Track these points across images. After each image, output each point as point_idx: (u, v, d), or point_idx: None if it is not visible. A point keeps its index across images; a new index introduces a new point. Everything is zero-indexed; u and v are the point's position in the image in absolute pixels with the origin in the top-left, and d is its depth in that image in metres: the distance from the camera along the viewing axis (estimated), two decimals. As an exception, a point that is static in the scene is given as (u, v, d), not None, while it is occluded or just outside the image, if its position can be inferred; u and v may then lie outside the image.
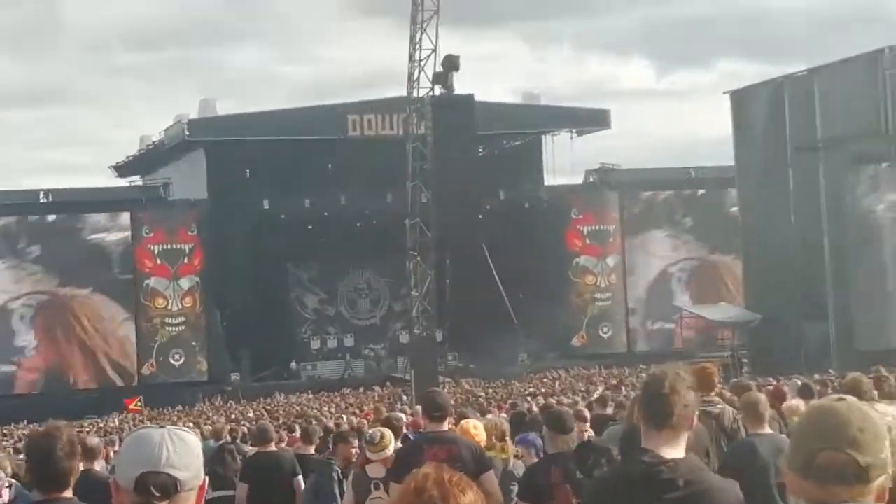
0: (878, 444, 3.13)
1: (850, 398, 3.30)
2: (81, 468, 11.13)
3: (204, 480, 3.62)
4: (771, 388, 14.50)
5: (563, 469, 8.55)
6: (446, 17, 52.17)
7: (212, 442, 18.47)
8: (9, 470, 10.18)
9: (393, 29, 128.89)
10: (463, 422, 11.79)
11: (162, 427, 3.60)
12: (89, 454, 11.39)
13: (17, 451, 20.48)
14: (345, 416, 25.50)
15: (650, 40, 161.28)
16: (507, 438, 11.86)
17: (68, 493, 6.02)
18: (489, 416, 14.03)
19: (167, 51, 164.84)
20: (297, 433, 17.42)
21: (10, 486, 9.19)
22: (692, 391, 4.94)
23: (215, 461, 14.03)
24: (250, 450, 15.23)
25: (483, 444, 10.86)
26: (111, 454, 16.48)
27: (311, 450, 14.34)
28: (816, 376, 24.91)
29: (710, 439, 9.41)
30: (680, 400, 4.83)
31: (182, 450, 3.53)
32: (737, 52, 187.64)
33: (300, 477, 13.01)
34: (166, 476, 3.48)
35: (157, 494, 3.47)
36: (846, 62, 47.19)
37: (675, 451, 4.78)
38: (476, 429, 11.04)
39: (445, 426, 9.63)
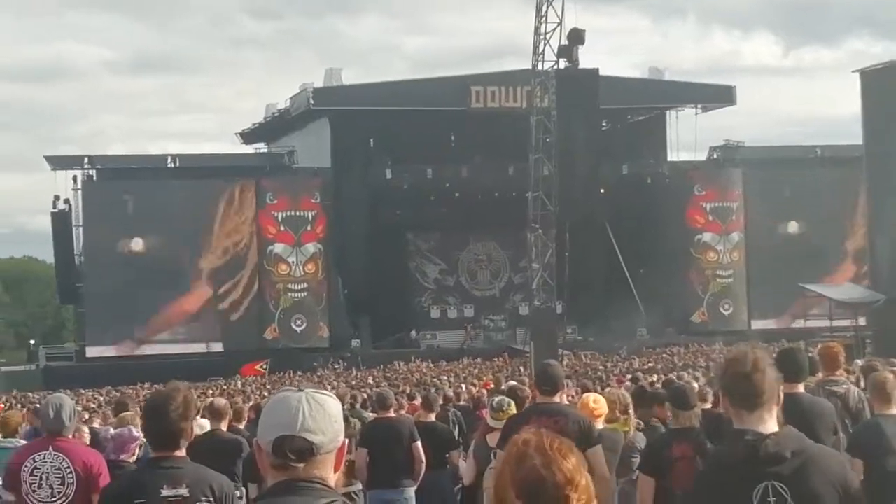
0: None
1: None
2: (209, 428, 11.42)
3: (344, 443, 3.68)
4: (897, 368, 14.30)
5: (691, 443, 8.54)
6: (573, -11, 51.97)
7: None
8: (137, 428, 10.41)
9: (517, 1, 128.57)
10: (584, 395, 11.80)
11: (301, 391, 3.65)
12: (216, 415, 11.65)
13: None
14: (464, 386, 25.67)
15: (775, 15, 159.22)
16: (630, 411, 11.84)
17: (180, 453, 6.15)
18: (609, 389, 13.98)
19: (289, 20, 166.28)
20: (418, 400, 17.54)
21: (140, 445, 9.40)
22: (773, 366, 4.89)
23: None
24: (370, 416, 15.38)
25: (604, 417, 10.87)
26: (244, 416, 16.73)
27: (432, 417, 14.43)
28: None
29: (839, 417, 9.34)
30: (765, 377, 4.80)
31: (319, 414, 3.60)
32: (865, 29, 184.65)
33: (419, 442, 13.10)
34: (302, 440, 3.55)
35: (293, 458, 3.55)
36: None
37: (770, 426, 4.77)
38: (596, 402, 11.04)
39: (557, 399, 9.60)
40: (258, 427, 3.75)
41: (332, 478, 3.63)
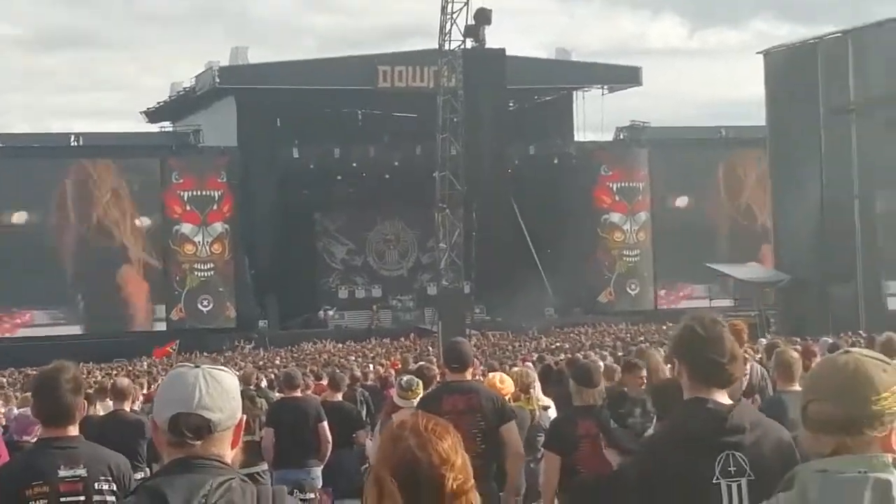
0: (865, 393, 3.19)
1: (856, 351, 3.34)
2: (112, 408, 11.30)
3: (241, 419, 3.63)
4: (800, 347, 14.50)
5: (595, 421, 8.57)
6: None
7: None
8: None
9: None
10: (490, 374, 11.82)
11: (197, 367, 3.60)
12: (119, 395, 11.52)
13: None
14: (372, 366, 25.66)
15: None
16: (533, 390, 11.88)
17: (74, 430, 6.00)
18: (514, 368, 14.03)
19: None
20: (325, 380, 17.49)
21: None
22: (733, 338, 4.88)
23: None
24: (277, 396, 15.31)
25: (510, 396, 10.89)
26: (139, 396, 16.59)
27: (339, 397, 14.40)
28: (842, 335, 24.90)
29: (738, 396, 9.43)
30: (735, 348, 4.78)
31: (216, 390, 3.55)
32: (770, 12, 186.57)
33: (325, 422, 13.07)
34: (198, 417, 3.50)
35: (190, 435, 3.50)
36: (881, 25, 46.78)
37: (725, 398, 4.77)
38: (502, 382, 11.06)
39: (467, 376, 9.61)
40: (154, 404, 3.69)
41: (230, 455, 3.58)
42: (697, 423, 4.72)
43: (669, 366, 8.34)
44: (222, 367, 3.65)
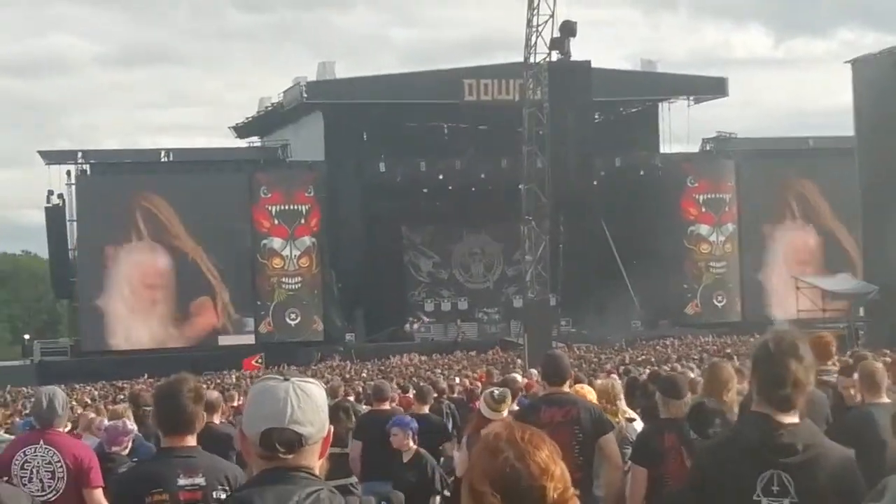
0: None
1: None
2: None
3: (329, 431, 3.69)
4: (889, 359, 14.34)
5: (677, 434, 8.54)
6: (564, -18, 51.87)
7: (328, 400, 18.67)
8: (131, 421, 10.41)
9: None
10: (575, 385, 11.79)
11: (287, 380, 3.64)
12: (209, 408, 11.63)
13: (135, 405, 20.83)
14: (458, 378, 25.68)
15: (766, 7, 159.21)
16: (619, 402, 11.84)
17: (192, 441, 6.12)
18: (599, 381, 13.99)
19: (277, 13, 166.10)
20: (411, 393, 17.56)
21: (133, 438, 9.40)
22: (810, 360, 4.84)
23: (330, 419, 14.18)
24: (365, 409, 15.38)
25: (594, 406, 10.89)
26: (229, 409, 16.76)
27: (426, 409, 14.45)
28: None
29: (830, 407, 9.36)
30: (799, 374, 4.76)
31: (307, 405, 3.61)
32: (855, 20, 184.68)
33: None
34: (291, 433, 3.56)
35: (283, 450, 3.56)
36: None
37: (790, 416, 4.76)
38: (590, 394, 11.05)
39: (565, 389, 9.64)
40: (244, 415, 3.75)
41: (318, 466, 3.64)
42: (748, 437, 4.74)
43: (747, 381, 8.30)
44: (311, 380, 3.71)
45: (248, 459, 3.68)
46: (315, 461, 3.63)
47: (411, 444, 10.97)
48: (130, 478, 6.35)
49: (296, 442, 3.56)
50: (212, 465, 6.03)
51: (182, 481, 5.91)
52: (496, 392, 11.10)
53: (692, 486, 4.82)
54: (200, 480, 5.92)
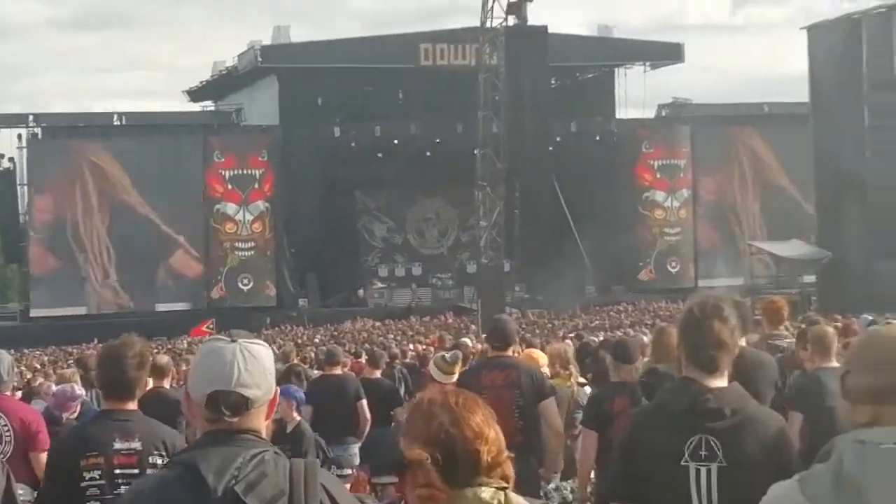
0: None
1: None
2: (151, 385, 11.36)
3: (275, 394, 3.64)
4: (840, 324, 14.41)
5: (629, 398, 8.55)
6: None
7: (279, 365, 18.62)
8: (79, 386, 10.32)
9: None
10: (526, 349, 11.79)
11: (234, 341, 3.59)
12: (159, 372, 11.54)
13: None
14: (411, 344, 25.69)
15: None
16: (572, 367, 11.86)
17: (133, 405, 6.07)
18: (551, 345, 14.01)
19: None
20: (363, 358, 17.55)
21: (81, 403, 9.33)
22: (734, 322, 4.85)
23: (282, 383, 14.14)
24: (317, 374, 15.35)
25: (546, 371, 10.89)
26: (181, 374, 16.68)
27: (377, 374, 14.43)
28: (888, 315, 24.71)
29: (779, 372, 9.38)
30: (723, 335, 4.77)
31: (254, 367, 3.56)
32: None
33: (364, 401, 13.11)
34: (237, 395, 3.51)
35: (228, 413, 3.51)
36: (927, -1, 46.41)
37: (718, 380, 4.77)
38: (539, 357, 11.05)
39: (509, 353, 9.64)
40: (189, 377, 3.70)
41: (264, 427, 3.60)
42: (677, 402, 4.76)
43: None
44: (258, 341, 3.64)
45: (193, 421, 3.66)
46: (261, 424, 3.59)
47: (295, 415, 10.94)
48: (67, 441, 6.33)
49: (242, 405, 3.52)
50: (149, 429, 6.01)
51: (118, 445, 5.88)
52: (447, 355, 11.10)
53: (622, 452, 4.84)
54: (136, 444, 5.89)
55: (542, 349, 13.27)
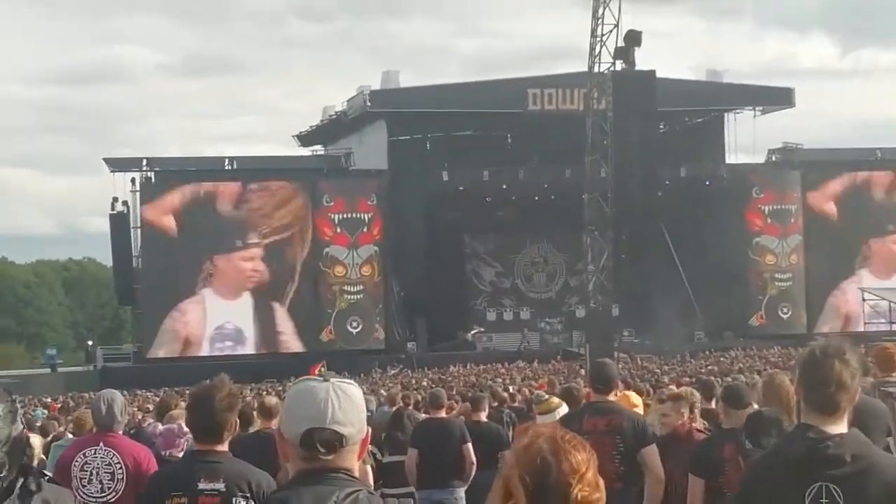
0: None
1: None
2: (259, 426, 11.47)
3: (367, 433, 3.68)
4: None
5: (736, 444, 8.46)
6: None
7: (386, 408, 18.69)
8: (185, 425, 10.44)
9: (570, 3, 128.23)
10: (623, 392, 11.71)
11: (326, 381, 3.64)
12: (267, 413, 11.65)
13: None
14: (512, 387, 25.54)
15: (831, 16, 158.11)
16: (696, 410, 11.72)
17: (222, 447, 6.14)
18: (679, 388, 13.80)
19: (338, 22, 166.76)
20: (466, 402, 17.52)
21: (188, 441, 9.43)
22: (856, 365, 4.78)
23: (393, 426, 14.20)
24: (423, 416, 15.36)
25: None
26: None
27: (482, 416, 14.39)
28: None
29: (893, 419, 9.24)
30: (843, 376, 4.70)
31: (347, 405, 3.59)
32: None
33: (469, 444, 13.08)
34: (332, 433, 3.55)
35: (323, 450, 3.55)
36: None
37: (838, 426, 4.68)
38: (633, 404, 10.97)
39: (611, 398, 9.60)
40: (282, 416, 3.74)
41: (356, 467, 3.63)
42: (795, 450, 4.65)
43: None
44: (350, 381, 3.69)
45: (284, 461, 3.69)
46: (354, 463, 3.63)
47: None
48: (155, 480, 6.51)
49: (336, 442, 3.56)
50: (235, 470, 6.09)
51: (202, 486, 5.98)
52: (535, 395, 11.11)
53: (739, 501, 4.76)
54: (220, 486, 5.97)
55: (650, 394, 13.17)
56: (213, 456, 6.10)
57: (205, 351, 60.76)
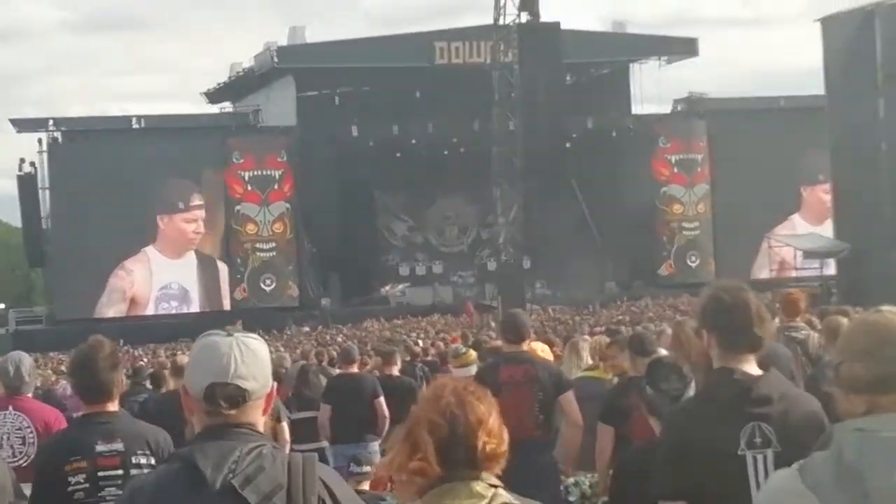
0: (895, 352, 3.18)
1: (886, 310, 3.33)
2: (172, 386, 11.48)
3: (272, 388, 3.69)
4: (857, 315, 14.41)
5: (637, 391, 8.57)
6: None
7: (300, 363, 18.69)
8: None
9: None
10: (531, 343, 11.81)
11: (230, 335, 3.63)
12: (179, 372, 11.66)
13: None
14: (421, 342, 25.63)
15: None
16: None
17: (113, 406, 6.06)
18: (591, 338, 13.90)
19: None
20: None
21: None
22: (755, 297, 4.86)
23: (300, 382, 14.23)
24: (336, 372, 15.42)
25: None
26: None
27: (395, 371, 14.45)
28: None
29: (796, 364, 9.43)
30: (761, 310, 4.78)
31: (250, 359, 3.60)
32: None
33: (382, 398, 13.16)
34: (234, 387, 3.55)
35: (226, 405, 3.55)
36: (942, -12, 46.23)
37: (754, 368, 4.77)
38: (543, 352, 11.06)
39: (524, 348, 9.69)
40: (186, 372, 3.75)
41: (261, 422, 3.64)
42: (723, 394, 4.73)
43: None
44: (254, 336, 3.69)
45: (190, 416, 3.67)
46: (259, 417, 3.63)
47: None
48: (51, 447, 6.29)
49: (239, 397, 3.55)
50: (132, 429, 5.99)
51: (100, 447, 5.86)
52: (452, 348, 11.19)
53: (671, 449, 4.79)
54: (119, 446, 5.87)
55: (563, 344, 13.31)
56: (105, 417, 5.99)
57: (150, 311, 60.48)
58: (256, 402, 3.62)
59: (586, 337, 17.19)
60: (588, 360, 11.46)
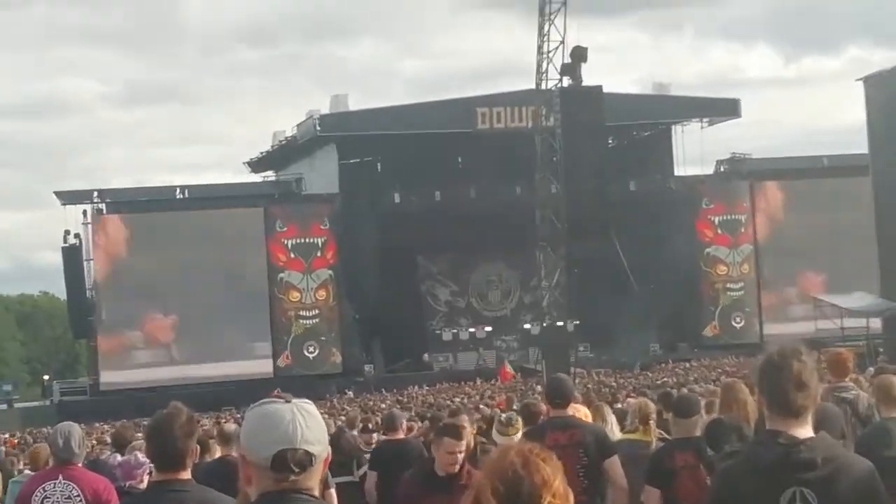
0: None
1: None
2: (219, 454, 11.45)
3: (328, 453, 3.72)
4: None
5: (692, 452, 8.54)
6: (571, 7, 52.03)
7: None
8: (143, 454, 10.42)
9: (514, 21, 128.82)
10: (574, 405, 11.75)
11: (288, 402, 3.66)
12: (226, 440, 11.64)
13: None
14: (464, 405, 25.53)
15: (774, 27, 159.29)
16: (652, 421, 11.78)
17: (186, 475, 6.08)
18: (631, 400, 13.89)
19: (283, 47, 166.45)
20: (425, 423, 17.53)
21: (150, 473, 9.42)
22: (812, 365, 4.78)
23: (332, 447, 14.15)
24: (377, 438, 15.37)
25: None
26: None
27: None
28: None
29: (846, 423, 9.34)
30: (803, 376, 4.70)
31: (313, 424, 3.63)
32: (864, 36, 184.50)
33: (429, 463, 13.09)
34: (304, 453, 3.58)
35: (297, 470, 3.57)
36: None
37: (805, 430, 4.70)
38: (587, 416, 11.01)
39: (569, 412, 9.66)
40: (246, 440, 3.73)
41: (318, 487, 3.66)
42: (767, 456, 4.66)
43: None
44: (307, 401, 3.71)
45: (246, 485, 3.66)
46: (317, 482, 3.66)
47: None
48: None
49: (307, 461, 3.59)
50: (203, 498, 5.99)
51: None
52: (503, 416, 11.12)
53: None
54: None
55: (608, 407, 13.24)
56: (178, 485, 6.02)
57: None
58: (317, 468, 3.65)
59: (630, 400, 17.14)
60: (614, 423, 11.45)
